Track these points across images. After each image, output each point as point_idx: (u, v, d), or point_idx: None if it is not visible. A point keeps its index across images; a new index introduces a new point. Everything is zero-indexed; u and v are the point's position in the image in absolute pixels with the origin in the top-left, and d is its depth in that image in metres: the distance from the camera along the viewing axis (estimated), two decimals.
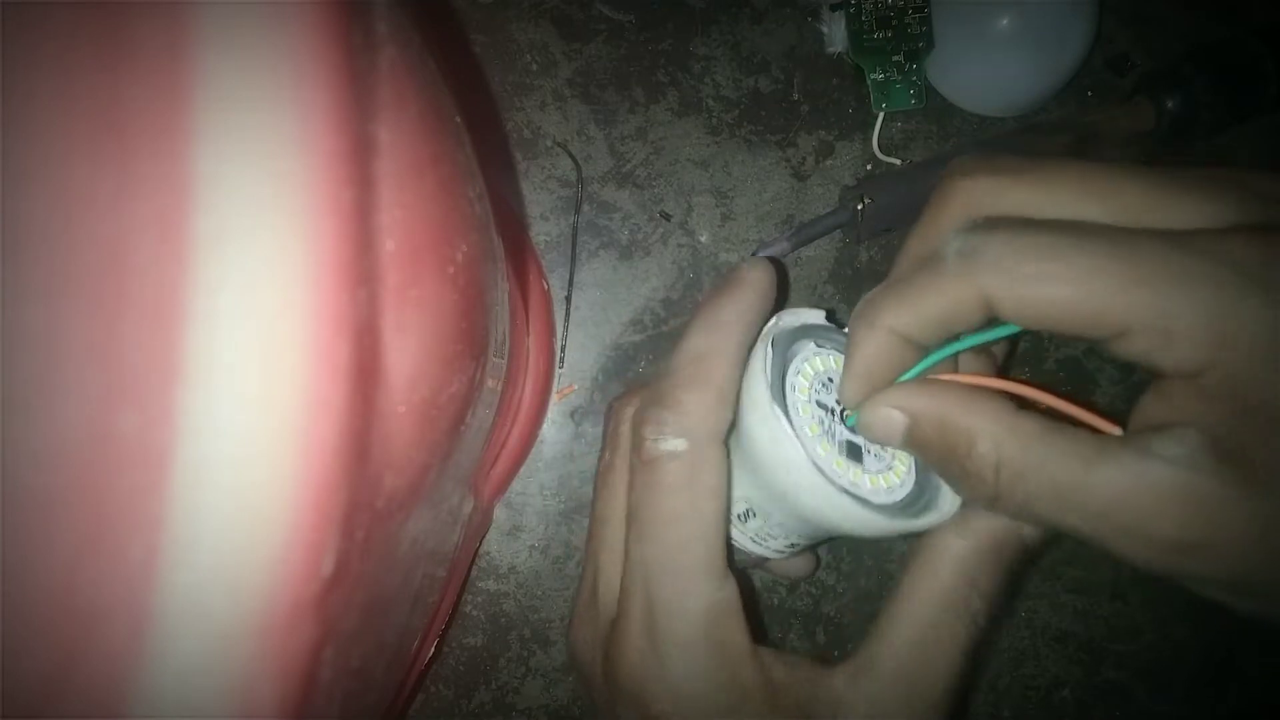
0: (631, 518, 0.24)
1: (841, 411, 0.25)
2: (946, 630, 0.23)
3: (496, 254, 0.21)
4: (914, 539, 0.24)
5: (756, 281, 0.25)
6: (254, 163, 0.12)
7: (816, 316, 0.26)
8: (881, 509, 0.24)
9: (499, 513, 0.34)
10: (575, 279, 0.35)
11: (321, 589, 0.13)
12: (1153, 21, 0.38)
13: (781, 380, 0.25)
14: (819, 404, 0.25)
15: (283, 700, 0.13)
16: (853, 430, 0.25)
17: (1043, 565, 0.36)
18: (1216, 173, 0.20)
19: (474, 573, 0.34)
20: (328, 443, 0.13)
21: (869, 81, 0.36)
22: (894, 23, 0.35)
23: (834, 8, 0.35)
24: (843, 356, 0.25)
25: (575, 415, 0.35)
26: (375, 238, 0.14)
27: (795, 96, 0.36)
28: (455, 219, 0.17)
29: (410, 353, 0.15)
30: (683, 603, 0.23)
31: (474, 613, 0.34)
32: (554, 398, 0.35)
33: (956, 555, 0.23)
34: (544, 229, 0.35)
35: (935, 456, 0.22)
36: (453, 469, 0.20)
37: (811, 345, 0.26)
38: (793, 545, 0.27)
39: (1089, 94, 0.37)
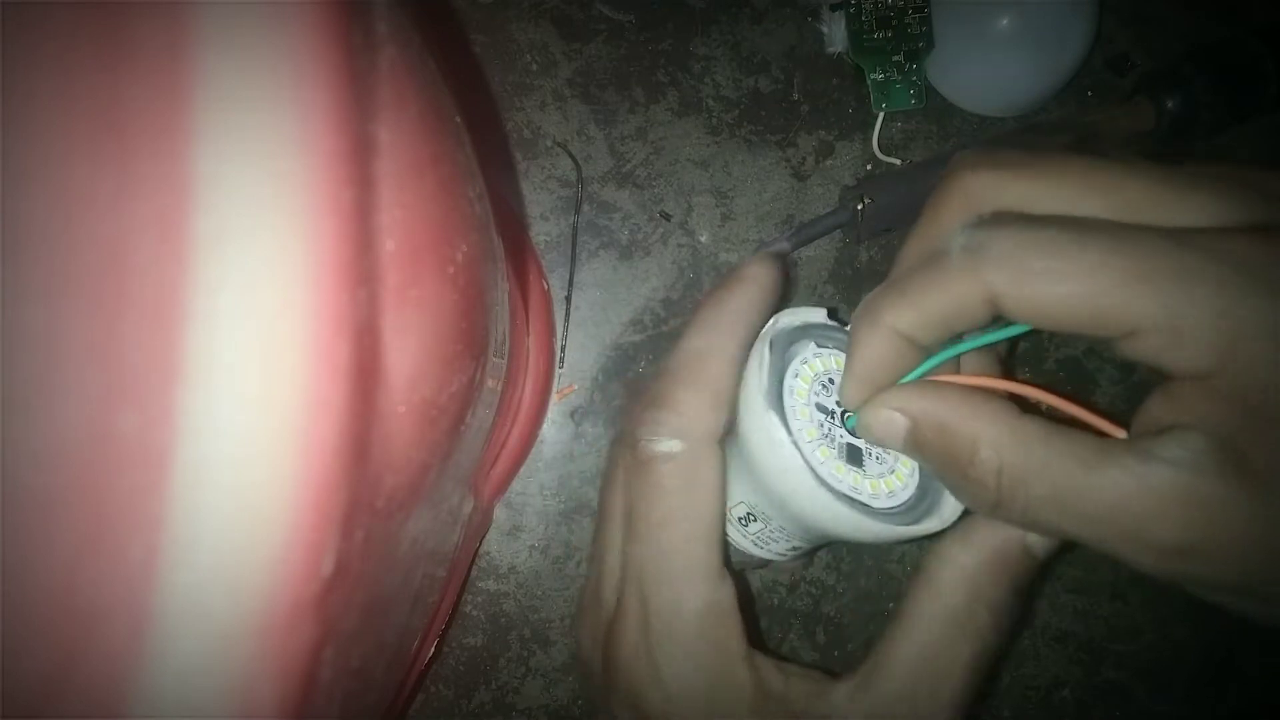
0: (628, 517, 0.24)
1: (842, 414, 0.24)
2: (952, 648, 0.22)
3: (496, 254, 0.21)
4: (919, 544, 0.24)
5: (758, 278, 0.25)
6: (254, 163, 0.12)
7: (818, 315, 0.26)
8: (882, 514, 0.23)
9: (499, 513, 0.34)
10: (575, 279, 0.35)
11: (321, 589, 0.13)
12: (1153, 21, 0.38)
13: (779, 383, 0.24)
14: (819, 406, 0.24)
15: (283, 700, 0.13)
16: (853, 433, 0.24)
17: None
18: (1219, 169, 0.20)
19: (474, 573, 0.34)
20: (328, 443, 0.13)
21: (869, 81, 0.36)
22: (894, 23, 0.35)
23: (834, 8, 0.35)
24: (844, 356, 0.25)
25: (575, 415, 0.35)
26: (375, 238, 0.14)
27: (795, 96, 0.36)
28: (455, 219, 0.17)
29: (410, 353, 0.15)
30: (677, 604, 0.23)
31: (474, 613, 0.34)
32: (554, 398, 0.35)
33: (960, 569, 0.23)
34: (544, 229, 0.35)
35: (936, 461, 0.21)
36: (453, 469, 0.20)
37: (812, 345, 0.25)
38: (795, 548, 0.27)
39: (1089, 94, 0.37)
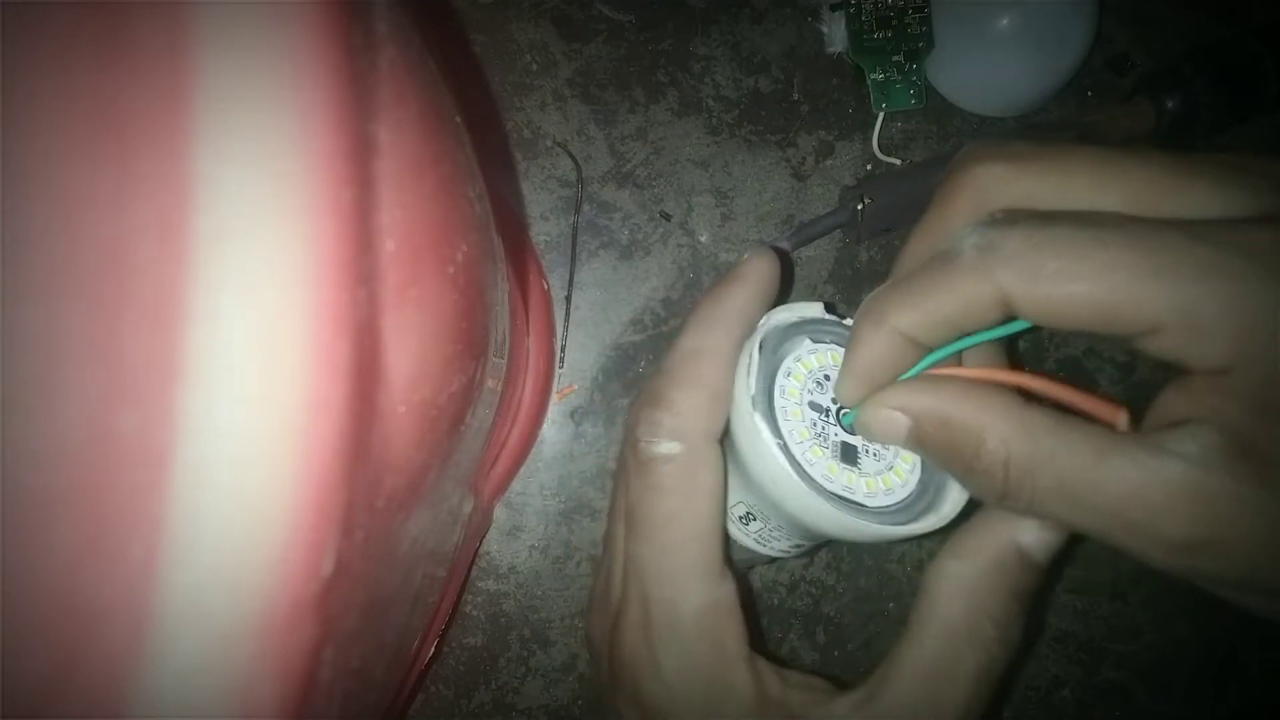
0: (629, 517, 0.24)
1: (838, 411, 0.24)
2: (955, 662, 0.22)
3: (496, 254, 0.21)
4: (920, 543, 0.24)
5: (756, 273, 0.25)
6: (254, 163, 0.12)
7: (814, 310, 0.25)
8: (877, 514, 0.23)
9: (499, 513, 0.34)
10: (575, 279, 0.35)
11: (321, 589, 0.13)
12: (1153, 21, 0.38)
13: (770, 383, 0.24)
14: (812, 405, 0.24)
15: (283, 700, 0.13)
16: (849, 430, 0.24)
17: None
18: (1229, 158, 0.19)
19: (474, 573, 0.34)
20: (328, 443, 0.13)
21: (869, 81, 0.36)
22: (894, 23, 0.35)
23: (834, 8, 0.35)
24: (841, 351, 0.25)
25: (575, 415, 0.35)
26: (375, 238, 0.14)
27: (795, 96, 0.36)
28: (455, 219, 0.17)
29: (410, 353, 0.15)
30: (677, 603, 0.23)
31: (474, 613, 0.34)
32: (554, 398, 0.35)
33: (958, 582, 0.22)
34: (544, 229, 0.35)
35: (941, 456, 0.21)
36: (453, 469, 0.20)
37: (807, 341, 0.25)
38: (797, 545, 0.27)
39: (1089, 94, 0.37)
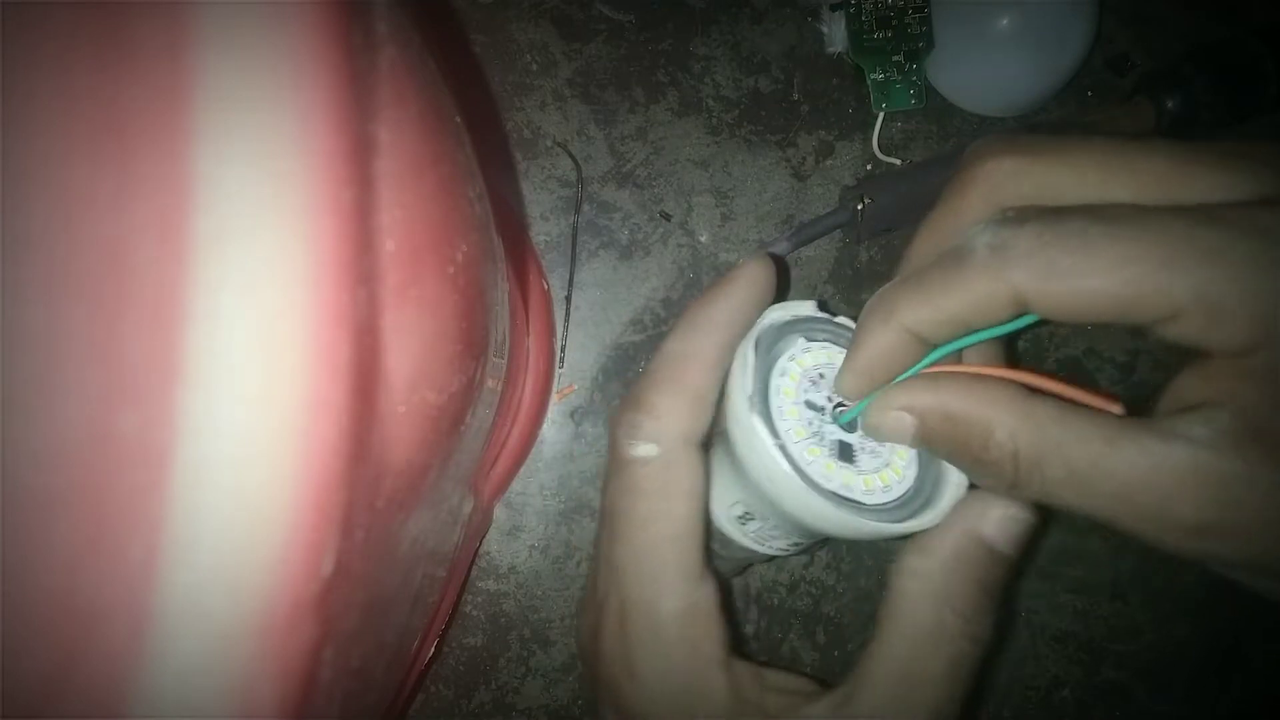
0: (608, 518, 0.24)
1: (834, 408, 0.24)
2: (925, 659, 0.22)
3: (496, 254, 0.21)
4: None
5: (748, 278, 0.24)
6: (254, 163, 0.12)
7: (807, 308, 0.25)
8: (875, 511, 0.23)
9: (499, 513, 0.34)
10: (575, 279, 0.35)
11: (321, 589, 0.13)
12: (1153, 21, 0.38)
13: (765, 383, 0.24)
14: (808, 404, 0.24)
15: (283, 700, 0.13)
16: (845, 428, 0.24)
17: (1043, 565, 0.36)
18: (1236, 146, 0.19)
19: (474, 573, 0.34)
20: (328, 443, 0.13)
21: (869, 81, 0.36)
22: (894, 23, 0.35)
23: (834, 8, 0.35)
24: (835, 349, 0.25)
25: (575, 415, 0.35)
26: (375, 238, 0.14)
27: (795, 96, 0.36)
28: (455, 219, 0.17)
29: (410, 353, 0.15)
30: (654, 605, 0.23)
31: (474, 613, 0.34)
32: (554, 398, 0.35)
33: (922, 578, 0.22)
34: (544, 229, 0.35)
35: (949, 451, 0.21)
36: (453, 469, 0.20)
37: (801, 340, 0.25)
38: (796, 544, 0.27)
39: (1089, 94, 0.37)
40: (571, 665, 0.34)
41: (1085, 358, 0.37)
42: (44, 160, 0.11)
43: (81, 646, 0.11)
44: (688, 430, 0.23)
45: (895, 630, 0.22)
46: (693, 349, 0.24)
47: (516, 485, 0.34)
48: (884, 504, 0.24)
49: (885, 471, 0.24)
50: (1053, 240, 0.19)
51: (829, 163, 0.36)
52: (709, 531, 0.25)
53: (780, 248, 0.34)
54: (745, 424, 0.23)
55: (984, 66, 0.35)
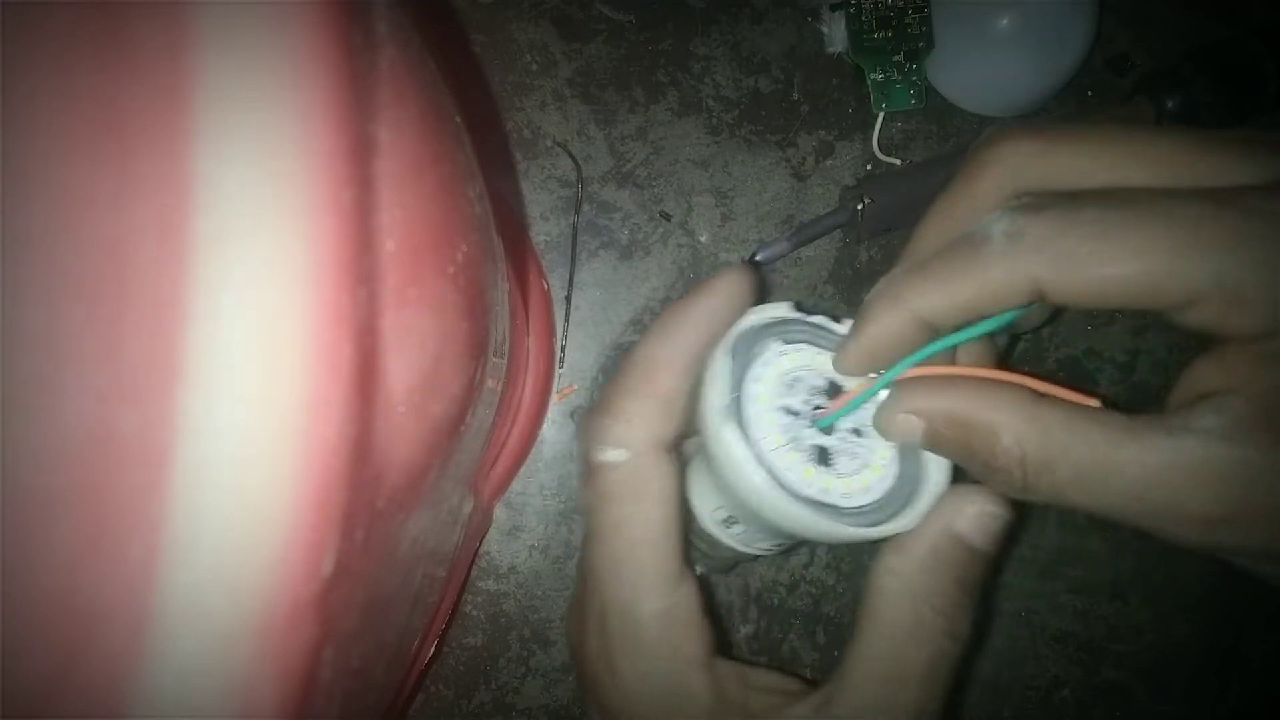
0: (586, 521, 0.24)
1: (811, 411, 0.24)
2: (904, 658, 0.22)
3: (496, 254, 0.21)
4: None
5: (724, 287, 0.24)
6: (254, 163, 0.12)
7: (781, 310, 0.25)
8: (854, 514, 0.23)
9: (499, 513, 0.34)
10: (575, 279, 0.35)
11: (321, 589, 0.13)
12: (1153, 21, 0.38)
13: (740, 392, 0.24)
14: (784, 409, 0.24)
15: (283, 700, 0.13)
16: (823, 432, 0.24)
17: (1043, 565, 0.36)
18: (1247, 133, 0.19)
19: (474, 573, 0.34)
20: (328, 443, 0.13)
21: (869, 81, 0.36)
22: (894, 23, 0.35)
23: (834, 8, 0.35)
24: (812, 350, 0.25)
25: (575, 415, 0.35)
26: (375, 238, 0.14)
27: (795, 96, 0.36)
28: (455, 219, 0.17)
29: (410, 353, 0.15)
30: (631, 608, 0.23)
31: (474, 613, 0.34)
32: (554, 398, 0.35)
33: (899, 576, 0.22)
34: (544, 229, 0.35)
35: (958, 455, 0.21)
36: (453, 469, 0.20)
37: (777, 344, 0.25)
38: (780, 544, 0.27)
39: (1089, 94, 0.37)
40: (571, 665, 0.34)
41: (1085, 358, 0.37)
42: (44, 160, 0.11)
43: (81, 646, 0.11)
44: (656, 435, 0.23)
45: (875, 629, 0.23)
46: (662, 354, 0.24)
47: (516, 485, 0.34)
48: (864, 506, 0.23)
49: (864, 473, 0.24)
50: (1071, 228, 0.19)
51: (829, 163, 0.36)
52: (686, 533, 0.25)
53: (780, 248, 0.34)
54: (719, 436, 0.23)
55: (984, 66, 0.35)
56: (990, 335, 0.23)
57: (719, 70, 0.36)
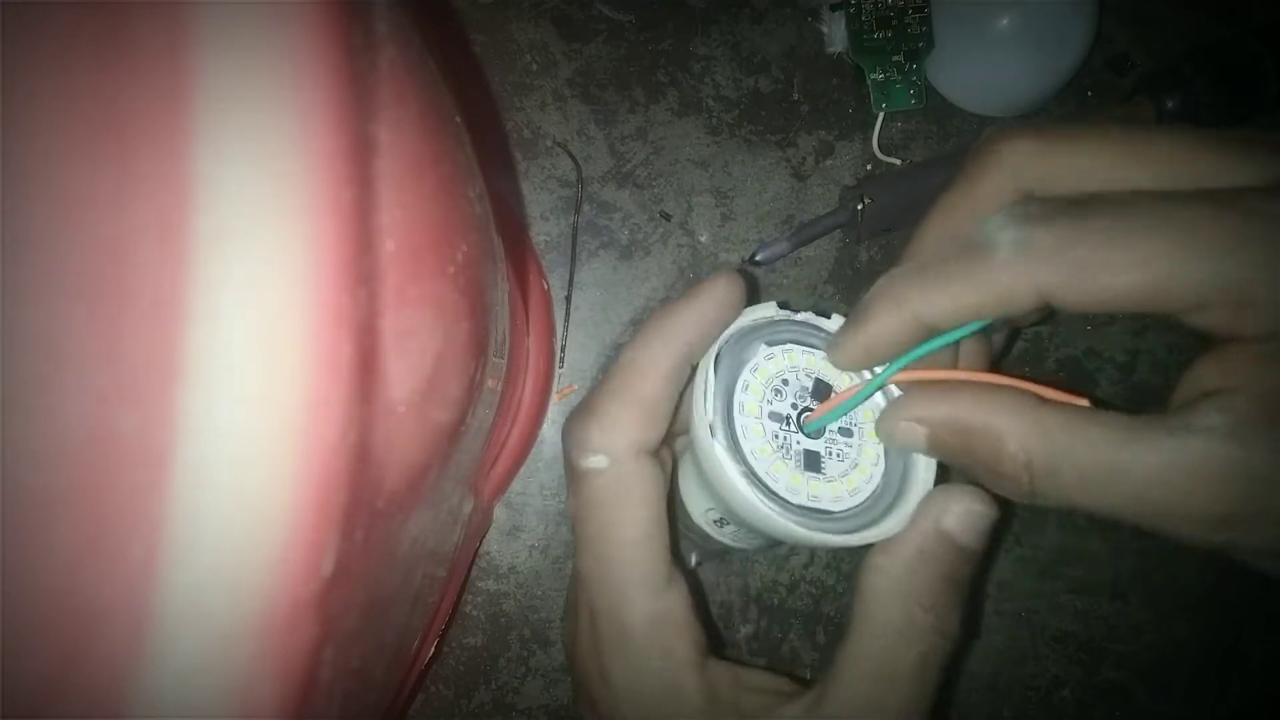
0: (573, 526, 0.25)
1: (799, 415, 0.24)
2: (895, 656, 0.22)
3: (496, 254, 0.21)
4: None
5: (713, 294, 0.24)
6: (254, 163, 0.12)
7: (766, 311, 0.25)
8: (844, 519, 0.23)
9: (499, 513, 0.34)
10: (575, 279, 0.35)
11: (321, 589, 0.13)
12: (1153, 21, 0.38)
13: (728, 403, 0.24)
14: (772, 416, 0.24)
15: (283, 700, 0.13)
16: (811, 436, 0.24)
17: (1043, 565, 0.36)
18: (1250, 133, 0.20)
19: (474, 573, 0.34)
20: (328, 443, 0.13)
21: (869, 81, 0.36)
22: (894, 23, 0.35)
23: (834, 8, 0.35)
24: (798, 349, 0.25)
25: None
26: (375, 238, 0.14)
27: (795, 96, 0.36)
28: (455, 219, 0.17)
29: (411, 353, 0.15)
30: (621, 612, 0.23)
31: (474, 613, 0.34)
32: (554, 398, 0.35)
33: (888, 575, 0.22)
34: (544, 229, 0.35)
35: (962, 461, 0.21)
36: (453, 469, 0.20)
37: (762, 347, 0.24)
38: (775, 543, 0.27)
39: (1089, 94, 0.37)
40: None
41: (1085, 358, 0.37)
42: (44, 160, 0.11)
43: (81, 646, 0.11)
44: (638, 440, 0.23)
45: (865, 628, 0.23)
46: (647, 358, 0.23)
47: (516, 485, 0.34)
48: (853, 508, 0.24)
49: (852, 474, 0.24)
50: (1079, 238, 0.19)
51: (829, 163, 0.36)
52: (676, 528, 0.25)
53: (780, 247, 0.34)
54: (710, 453, 0.23)
55: (984, 66, 0.35)
56: (985, 332, 0.23)
57: (719, 70, 0.36)
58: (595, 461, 0.23)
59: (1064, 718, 0.36)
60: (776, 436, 0.24)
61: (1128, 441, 0.19)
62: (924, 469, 0.24)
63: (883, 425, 0.23)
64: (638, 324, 0.35)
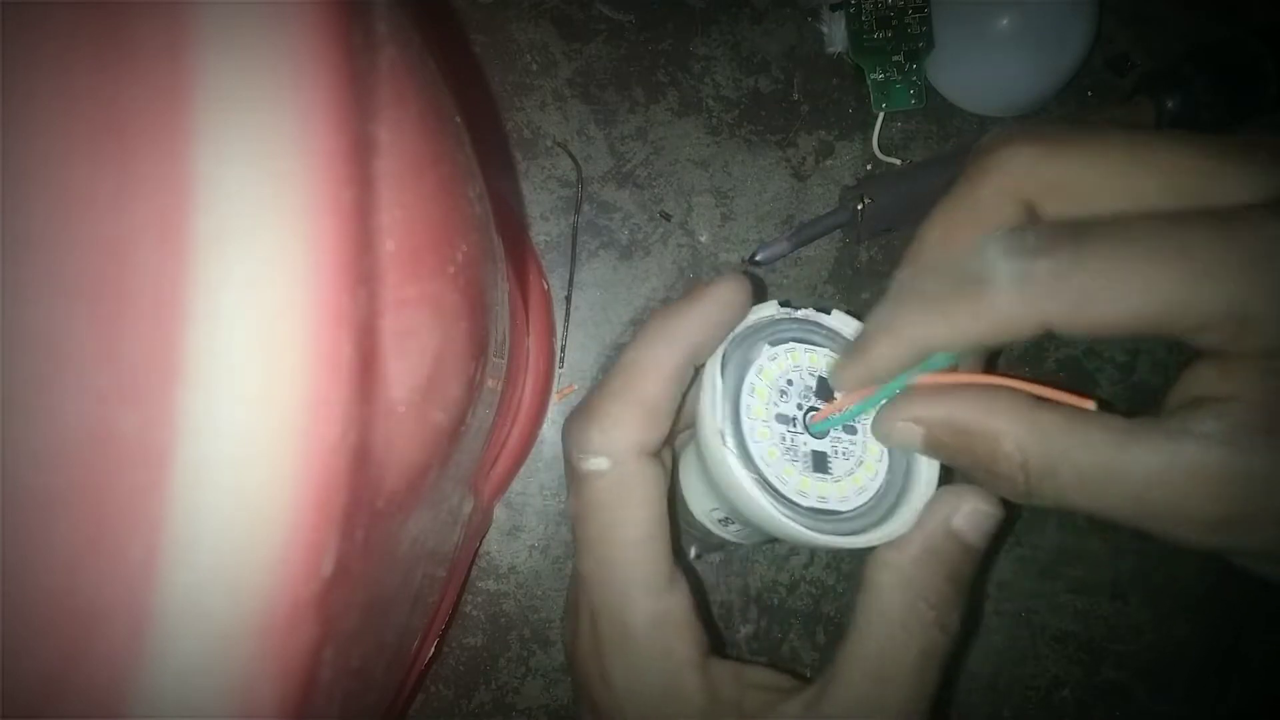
0: (573, 527, 0.25)
1: (805, 415, 0.24)
2: (897, 650, 0.22)
3: (496, 254, 0.21)
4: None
5: (718, 298, 0.23)
6: (254, 163, 0.12)
7: (767, 310, 0.25)
8: (852, 518, 0.23)
9: (499, 513, 0.34)
10: (575, 279, 0.35)
11: (321, 589, 0.13)
12: (1153, 21, 0.38)
13: (736, 408, 0.23)
14: (779, 418, 0.24)
15: (283, 700, 0.13)
16: (817, 436, 0.24)
17: (1043, 565, 0.36)
18: (1257, 140, 0.19)
19: (474, 573, 0.34)
20: (328, 443, 0.13)
21: (869, 81, 0.36)
22: (894, 23, 0.35)
23: (834, 8, 0.35)
24: (801, 348, 0.25)
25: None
26: (375, 238, 0.14)
27: (795, 96, 0.36)
28: (455, 219, 0.17)
29: (410, 353, 0.15)
30: (622, 614, 0.23)
31: (474, 613, 0.34)
32: (554, 398, 0.35)
33: (894, 570, 0.23)
34: (544, 229, 0.35)
35: (959, 462, 0.21)
36: (453, 469, 0.20)
37: (765, 347, 0.24)
38: (777, 540, 0.27)
39: (1089, 94, 0.37)
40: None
41: (1085, 358, 0.37)
42: (44, 160, 0.11)
43: (81, 646, 0.11)
44: (639, 442, 0.23)
45: (869, 621, 0.23)
46: (649, 358, 0.23)
47: (516, 485, 0.34)
48: (859, 507, 0.24)
49: (858, 472, 0.24)
50: (1080, 267, 0.18)
51: (829, 163, 0.36)
52: (676, 526, 0.25)
53: (780, 248, 0.34)
54: (720, 460, 0.23)
55: (984, 66, 0.35)
56: None
57: (719, 70, 0.36)
58: (596, 464, 0.23)
59: (1064, 718, 0.36)
60: (784, 439, 0.24)
61: (1126, 443, 0.19)
62: (927, 464, 0.24)
63: (879, 425, 0.23)
64: (638, 324, 0.35)
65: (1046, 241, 0.19)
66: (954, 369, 0.23)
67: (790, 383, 0.24)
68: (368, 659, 0.17)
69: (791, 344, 0.25)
